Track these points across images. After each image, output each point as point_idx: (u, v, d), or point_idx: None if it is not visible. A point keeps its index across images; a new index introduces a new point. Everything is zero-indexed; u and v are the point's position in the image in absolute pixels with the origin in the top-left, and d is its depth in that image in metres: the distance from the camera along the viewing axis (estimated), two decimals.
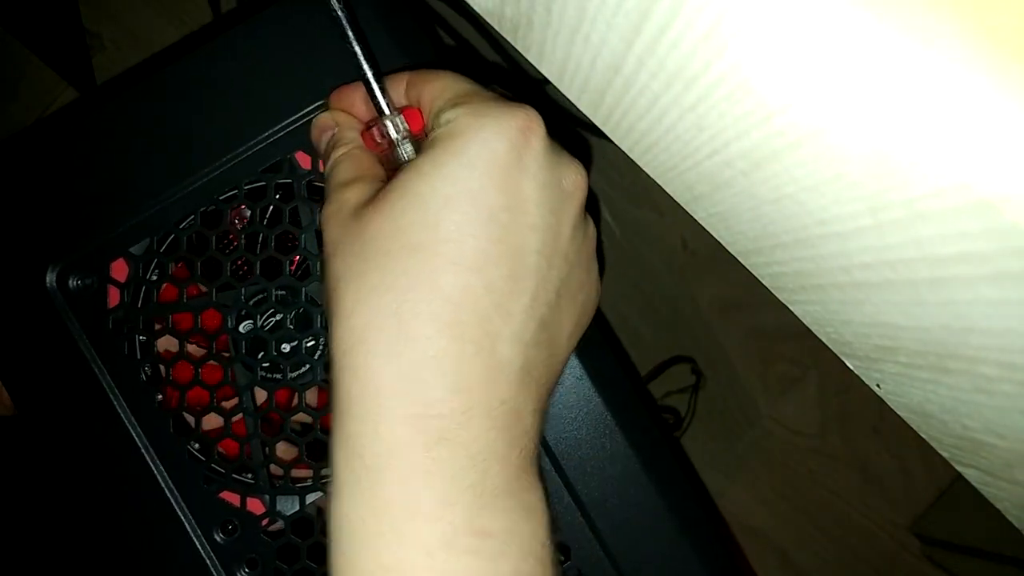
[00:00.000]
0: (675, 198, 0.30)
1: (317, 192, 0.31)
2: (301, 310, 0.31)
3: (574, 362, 0.31)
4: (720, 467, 0.70)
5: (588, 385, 0.31)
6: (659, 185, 0.30)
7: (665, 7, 0.19)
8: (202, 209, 0.31)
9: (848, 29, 0.16)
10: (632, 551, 0.31)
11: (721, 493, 0.70)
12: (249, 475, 0.32)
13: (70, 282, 0.31)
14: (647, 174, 0.30)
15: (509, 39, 0.29)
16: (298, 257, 0.31)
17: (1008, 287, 0.17)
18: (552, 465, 0.31)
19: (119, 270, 0.31)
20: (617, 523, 0.31)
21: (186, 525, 0.31)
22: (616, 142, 0.30)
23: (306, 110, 0.30)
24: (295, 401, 0.31)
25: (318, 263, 0.30)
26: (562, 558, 0.31)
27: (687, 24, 0.19)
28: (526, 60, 0.27)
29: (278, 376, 0.31)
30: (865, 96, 0.17)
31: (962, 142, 0.15)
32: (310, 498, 0.31)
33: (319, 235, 0.30)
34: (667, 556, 0.31)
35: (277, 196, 0.31)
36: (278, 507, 0.31)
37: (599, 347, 0.33)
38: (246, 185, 0.31)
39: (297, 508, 0.31)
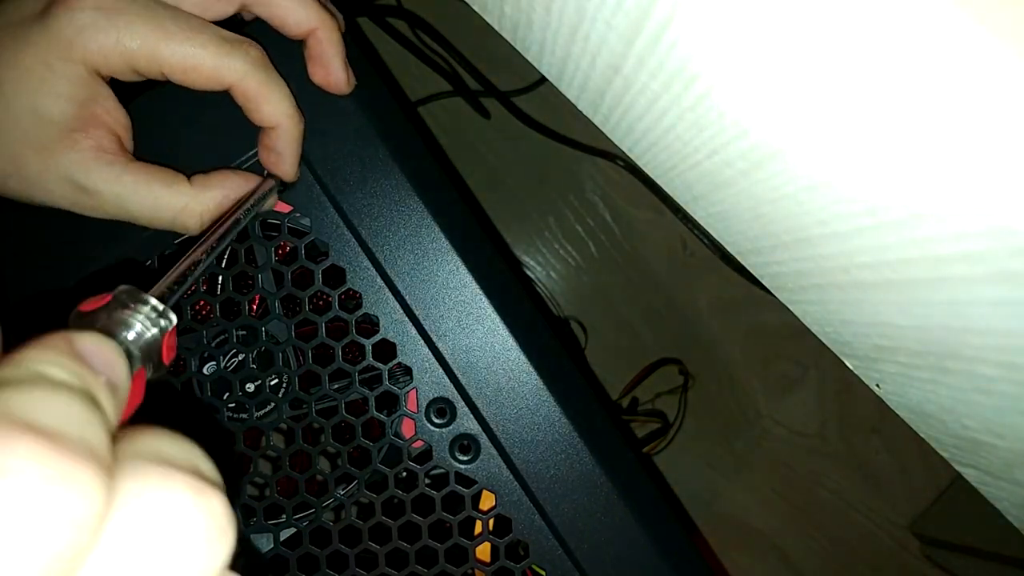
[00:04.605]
0: (675, 198, 0.30)
1: (271, 230, 0.31)
2: (263, 349, 0.31)
3: (539, 384, 0.31)
4: (719, 467, 0.70)
5: (554, 407, 0.30)
6: (659, 185, 0.30)
7: (665, 7, 0.19)
8: (159, 254, 0.31)
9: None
10: (607, 570, 0.31)
11: (721, 493, 0.70)
12: None
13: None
14: (647, 174, 0.30)
15: (508, 38, 0.29)
16: (257, 296, 0.31)
17: (1008, 287, 0.17)
18: (522, 488, 0.30)
19: None
20: (591, 544, 0.30)
21: None
22: (616, 142, 0.30)
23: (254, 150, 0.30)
24: (262, 440, 0.31)
25: (276, 301, 0.30)
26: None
27: (687, 24, 0.19)
28: (496, 72, 0.27)
29: (244, 416, 0.31)
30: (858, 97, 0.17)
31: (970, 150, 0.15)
32: (284, 534, 0.31)
33: (275, 273, 0.31)
34: (642, 571, 0.31)
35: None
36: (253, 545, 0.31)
37: (565, 367, 0.32)
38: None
39: (272, 545, 0.31)
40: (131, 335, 0.16)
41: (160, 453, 0.13)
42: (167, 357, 0.17)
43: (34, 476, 0.11)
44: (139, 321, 0.17)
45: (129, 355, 0.16)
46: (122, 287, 0.17)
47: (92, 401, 0.13)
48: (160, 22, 0.26)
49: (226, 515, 0.13)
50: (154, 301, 0.17)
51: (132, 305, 0.17)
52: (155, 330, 0.17)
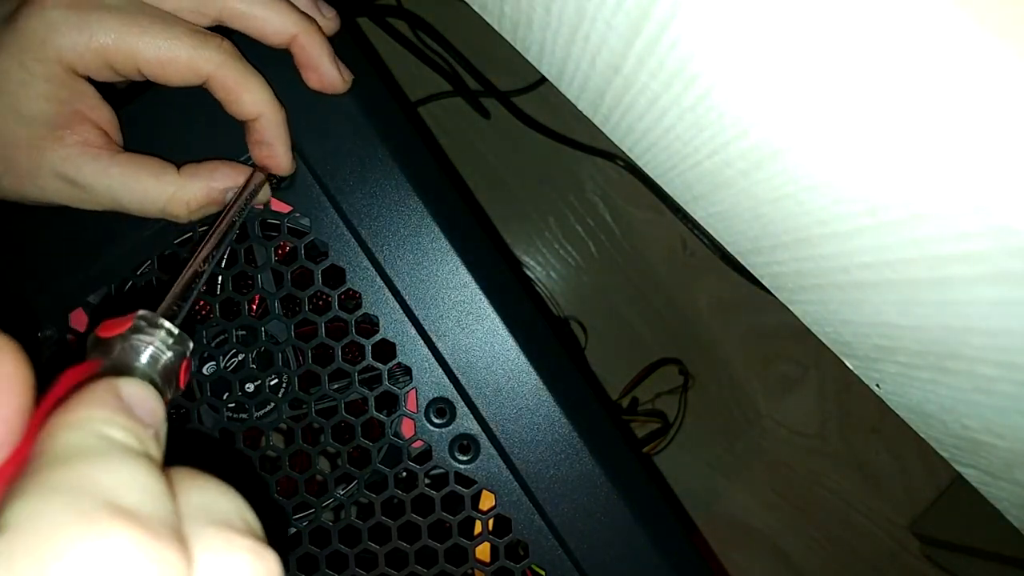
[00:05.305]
0: (675, 198, 0.30)
1: (271, 230, 0.31)
2: (263, 349, 0.31)
3: (539, 384, 0.31)
4: (720, 467, 0.70)
5: (554, 407, 0.30)
6: (659, 185, 0.30)
7: (665, 7, 0.19)
8: (158, 254, 0.31)
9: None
10: (607, 570, 0.30)
11: (721, 493, 0.70)
12: None
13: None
14: (647, 173, 0.30)
15: (508, 38, 0.29)
16: (257, 296, 0.31)
17: (1008, 287, 0.17)
18: (522, 488, 0.30)
19: (79, 320, 0.31)
20: (591, 544, 0.30)
21: None
22: (616, 142, 0.30)
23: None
24: (262, 440, 0.31)
25: (276, 301, 0.30)
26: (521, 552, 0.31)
27: (687, 24, 0.19)
28: (496, 72, 0.27)
29: (244, 416, 0.31)
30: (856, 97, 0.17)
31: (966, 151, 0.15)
32: None
33: (275, 273, 0.31)
34: (642, 571, 0.31)
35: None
36: None
37: (565, 367, 0.32)
38: (200, 227, 0.30)
39: None
40: (151, 361, 0.17)
41: (216, 511, 0.14)
42: (184, 381, 0.18)
43: (132, 561, 0.11)
44: (157, 348, 0.17)
45: (152, 383, 0.16)
46: (140, 312, 0.17)
47: (153, 462, 0.13)
48: (133, 17, 0.26)
49: (281, 572, 0.14)
50: (170, 325, 0.17)
51: (150, 331, 0.17)
52: (172, 356, 0.17)
